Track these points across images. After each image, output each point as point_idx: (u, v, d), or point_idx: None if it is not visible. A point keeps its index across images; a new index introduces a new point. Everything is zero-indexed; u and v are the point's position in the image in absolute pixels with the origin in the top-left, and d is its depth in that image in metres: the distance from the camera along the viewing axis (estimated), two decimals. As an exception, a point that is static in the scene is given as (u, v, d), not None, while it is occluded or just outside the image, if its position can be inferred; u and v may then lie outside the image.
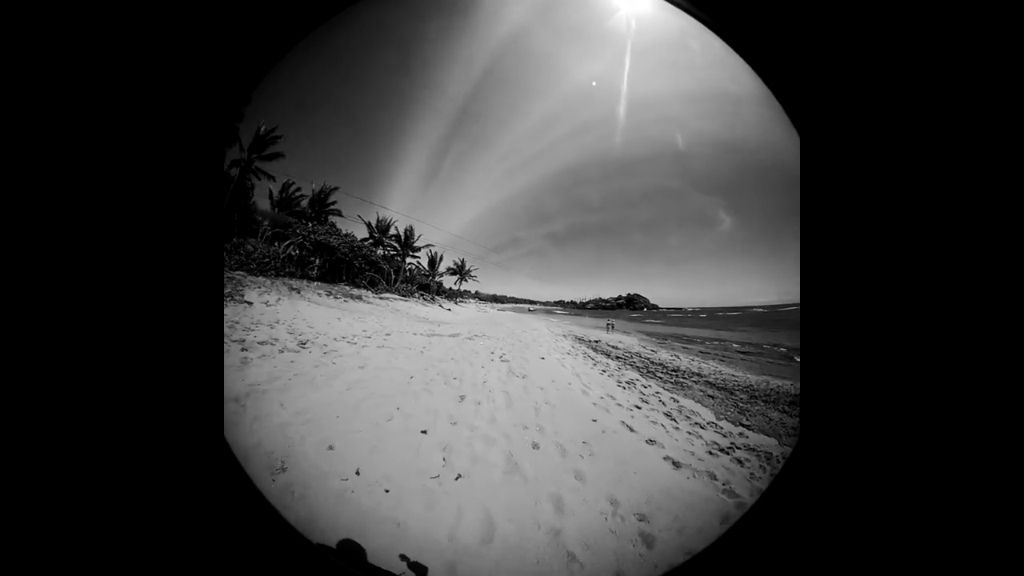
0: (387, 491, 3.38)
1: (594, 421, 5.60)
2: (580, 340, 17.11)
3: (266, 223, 21.63)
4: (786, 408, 7.35)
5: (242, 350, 6.69)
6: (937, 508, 1.39)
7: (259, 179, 23.41)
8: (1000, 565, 1.32)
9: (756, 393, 8.62)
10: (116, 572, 1.48)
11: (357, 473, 3.56)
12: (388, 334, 11.17)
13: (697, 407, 7.23)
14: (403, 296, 23.42)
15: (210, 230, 1.64)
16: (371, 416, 4.81)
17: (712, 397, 8.15)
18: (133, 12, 1.48)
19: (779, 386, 9.42)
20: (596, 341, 17.22)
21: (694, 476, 4.31)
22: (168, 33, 1.53)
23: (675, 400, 7.61)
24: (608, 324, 26.57)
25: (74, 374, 1.44)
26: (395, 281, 26.06)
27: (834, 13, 1.52)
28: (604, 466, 4.24)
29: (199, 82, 1.60)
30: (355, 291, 19.80)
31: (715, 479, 4.28)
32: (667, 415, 6.51)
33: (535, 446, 4.59)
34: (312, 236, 21.33)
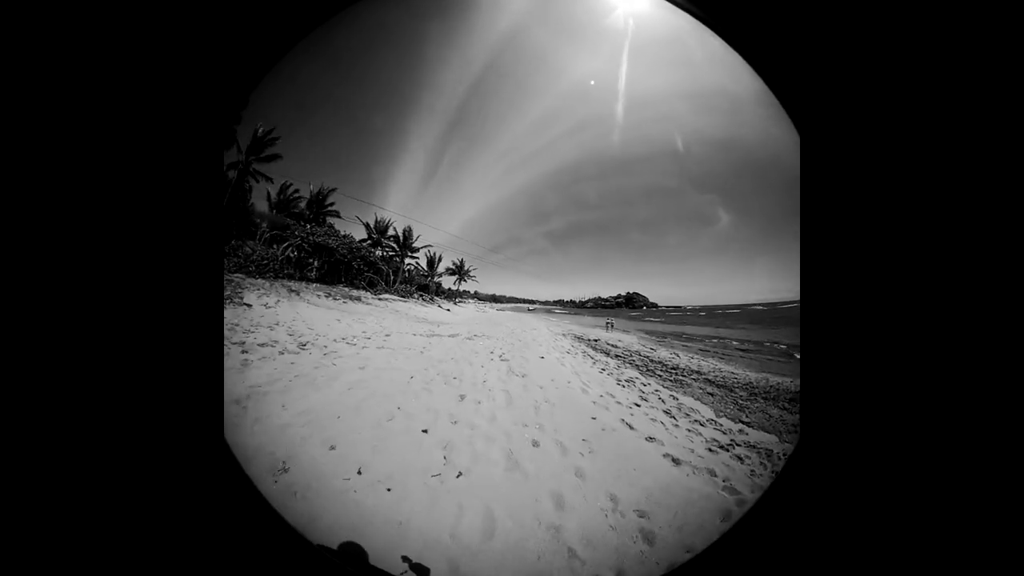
0: (389, 490, 3.40)
1: (593, 419, 5.63)
2: (579, 339, 17.14)
3: (264, 225, 21.64)
4: (786, 405, 7.35)
5: (242, 352, 6.71)
6: (940, 503, 1.39)
7: (257, 181, 23.44)
8: (1002, 564, 1.32)
9: (756, 390, 8.62)
10: (116, 574, 1.48)
11: (359, 472, 3.58)
12: (388, 335, 11.19)
13: (697, 404, 7.26)
14: (402, 297, 23.44)
15: (210, 233, 1.65)
16: (372, 416, 4.83)
17: (712, 395, 8.17)
18: (131, 15, 1.49)
19: (779, 383, 9.42)
20: (595, 340, 17.25)
21: (694, 473, 4.32)
22: (164, 35, 1.53)
23: (675, 398, 7.64)
24: (607, 323, 26.62)
25: (75, 377, 1.45)
26: (394, 282, 26.07)
27: (834, 11, 1.53)
28: (604, 463, 4.27)
29: (197, 85, 1.60)
30: (354, 292, 19.81)
31: (715, 476, 4.29)
32: (667, 413, 6.53)
33: (535, 444, 4.62)
34: (310, 238, 21.33)
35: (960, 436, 1.38)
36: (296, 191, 25.64)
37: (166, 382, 1.57)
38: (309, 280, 19.48)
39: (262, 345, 7.34)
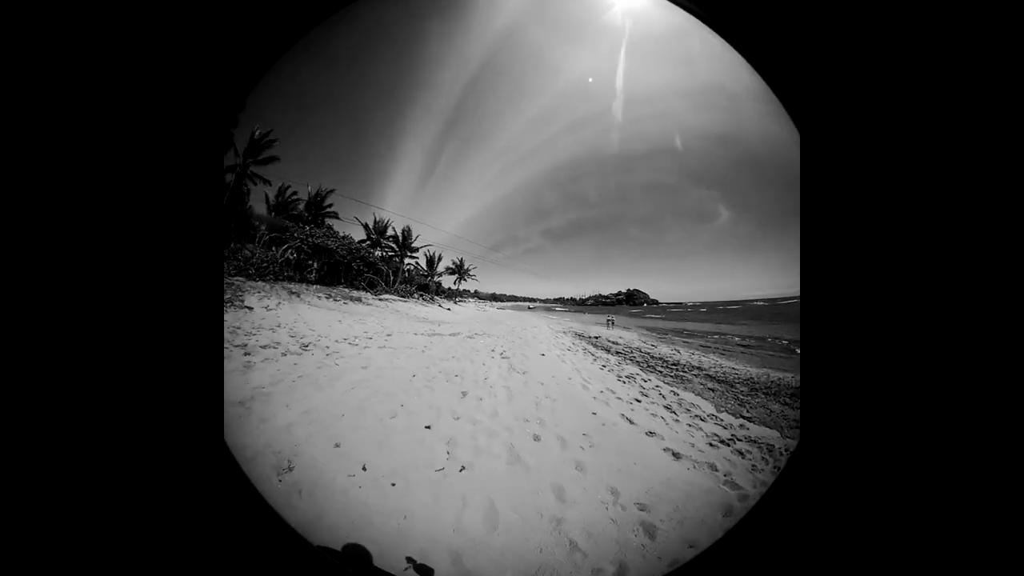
0: (393, 484, 3.45)
1: (594, 414, 5.68)
2: (580, 336, 17.18)
3: (263, 228, 21.66)
4: (787, 400, 7.35)
5: (245, 354, 6.75)
6: (941, 499, 1.39)
7: (255, 184, 23.46)
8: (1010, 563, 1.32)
9: (757, 386, 8.63)
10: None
11: (364, 469, 3.63)
12: (389, 335, 11.24)
13: (697, 400, 7.29)
14: (402, 297, 23.48)
15: (210, 236, 1.64)
16: (375, 414, 4.88)
17: (712, 390, 8.19)
18: (126, 16, 1.48)
19: (780, 378, 9.43)
20: (596, 337, 17.29)
21: (695, 467, 4.35)
22: (157, 36, 1.53)
23: (675, 393, 7.67)
24: (608, 320, 26.65)
25: (75, 380, 1.45)
26: (394, 282, 26.11)
27: (834, 8, 1.52)
28: (604, 457, 4.31)
29: (193, 87, 1.60)
30: (354, 293, 19.85)
31: (716, 470, 4.31)
32: (667, 408, 6.56)
33: (536, 438, 4.67)
34: (309, 239, 21.37)
35: (960, 433, 1.38)
36: (294, 193, 25.69)
37: (166, 385, 1.56)
38: (309, 282, 19.52)
39: (264, 347, 7.39)
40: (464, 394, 6.08)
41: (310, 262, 21.16)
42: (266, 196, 24.70)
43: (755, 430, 5.77)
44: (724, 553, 1.83)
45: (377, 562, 2.53)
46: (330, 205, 26.89)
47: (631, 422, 5.53)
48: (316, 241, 21.39)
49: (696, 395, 7.66)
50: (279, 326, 9.58)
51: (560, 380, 7.57)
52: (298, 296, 14.66)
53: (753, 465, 4.56)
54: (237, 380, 5.52)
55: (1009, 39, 1.34)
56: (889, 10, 1.45)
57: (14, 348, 1.39)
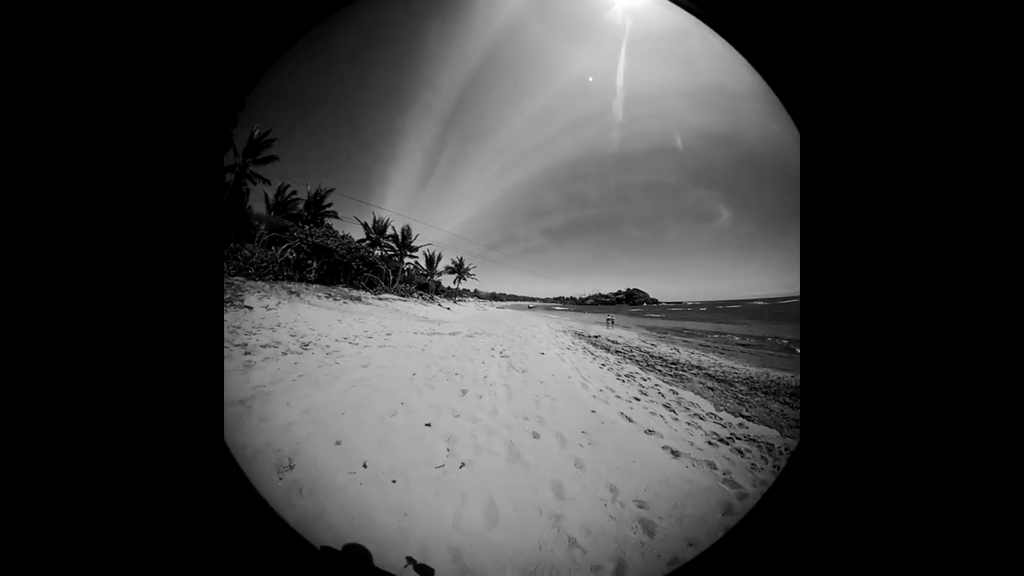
0: (394, 481, 3.48)
1: (593, 412, 5.70)
2: (580, 335, 17.20)
3: (262, 227, 21.65)
4: (787, 400, 7.35)
5: (245, 354, 6.76)
6: (942, 498, 1.38)
7: (254, 183, 23.45)
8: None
9: (756, 385, 8.64)
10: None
11: (364, 466, 3.65)
12: (389, 334, 11.25)
13: (696, 399, 7.30)
14: (402, 296, 23.49)
15: (210, 235, 1.64)
16: (376, 412, 4.90)
17: (712, 389, 8.20)
18: (127, 16, 1.48)
19: (779, 378, 9.44)
20: (595, 336, 17.30)
21: (693, 465, 4.36)
22: (156, 36, 1.52)
23: (674, 392, 7.68)
24: (608, 319, 26.65)
25: (75, 380, 1.44)
26: (393, 281, 26.11)
27: (834, 7, 1.52)
28: (603, 455, 4.33)
29: (193, 87, 1.59)
30: (354, 292, 19.86)
31: (715, 468, 4.33)
32: (666, 406, 6.58)
33: (535, 436, 4.70)
34: (309, 239, 21.37)
35: (960, 433, 1.37)
36: (294, 192, 25.68)
37: (166, 385, 1.56)
38: (309, 281, 19.52)
39: (265, 346, 7.40)
40: (464, 392, 6.10)
41: (310, 261, 21.16)
42: (265, 196, 24.69)
43: (754, 429, 5.79)
44: (725, 553, 1.83)
45: (377, 562, 2.54)
46: (329, 204, 26.90)
47: (630, 420, 5.55)
48: (315, 240, 21.39)
49: (695, 394, 7.67)
50: (279, 325, 9.59)
51: (559, 379, 7.60)
52: (298, 295, 14.66)
53: (752, 464, 4.57)
54: (237, 379, 5.53)
55: (1009, 39, 1.34)
56: (889, 10, 1.45)
57: (14, 348, 1.39)
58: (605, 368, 9.61)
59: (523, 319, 25.68)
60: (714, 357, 13.52)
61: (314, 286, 18.28)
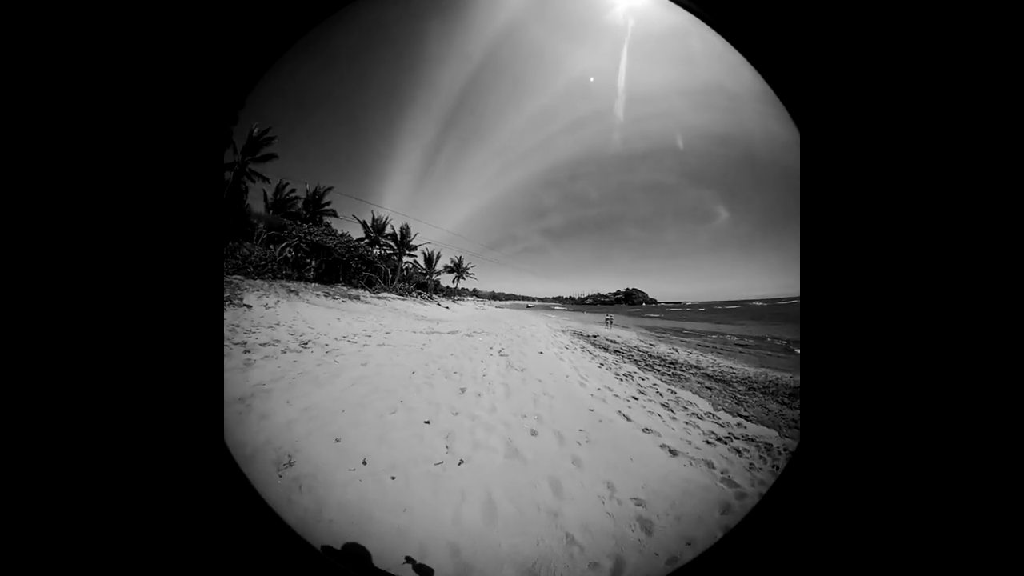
0: (393, 478, 3.50)
1: (591, 411, 5.72)
2: (578, 335, 17.21)
3: (261, 226, 21.60)
4: (785, 400, 7.37)
5: (245, 352, 6.77)
6: (942, 499, 1.39)
7: (253, 182, 23.39)
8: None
9: (754, 385, 8.65)
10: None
11: (364, 463, 3.67)
12: (388, 333, 11.26)
13: (694, 398, 7.32)
14: (401, 295, 23.45)
15: (210, 234, 1.64)
16: (375, 410, 4.92)
17: (710, 389, 8.22)
18: (128, 15, 1.48)
19: (778, 378, 9.45)
20: (594, 336, 17.32)
21: (691, 464, 4.38)
22: (158, 35, 1.53)
23: (672, 391, 7.71)
24: (607, 319, 26.63)
25: (75, 379, 1.44)
26: (392, 280, 26.07)
27: (834, 7, 1.53)
28: (600, 453, 4.36)
29: (194, 85, 1.59)
30: (352, 291, 19.84)
31: (713, 467, 4.34)
32: (664, 406, 6.60)
33: (534, 433, 4.73)
34: (308, 237, 21.34)
35: (961, 433, 1.38)
36: (292, 191, 25.61)
37: (166, 384, 1.56)
38: (307, 280, 19.50)
39: (264, 345, 7.41)
40: (463, 390, 6.12)
41: (308, 260, 21.15)
42: (264, 194, 24.61)
43: (752, 429, 5.80)
44: (726, 554, 1.84)
45: (376, 561, 2.55)
46: (328, 203, 26.82)
47: (628, 419, 5.58)
48: (314, 239, 21.36)
49: (693, 393, 7.70)
50: (278, 324, 9.60)
51: (558, 377, 7.62)
52: (296, 294, 14.67)
53: (751, 464, 4.58)
54: (237, 377, 5.54)
55: (1009, 39, 1.35)
56: (889, 10, 1.46)
57: (12, 347, 1.39)
58: (603, 367, 9.63)
59: (522, 318, 25.66)
60: (712, 357, 13.54)
61: (313, 285, 18.27)
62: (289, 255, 20.23)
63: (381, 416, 4.76)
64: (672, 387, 8.11)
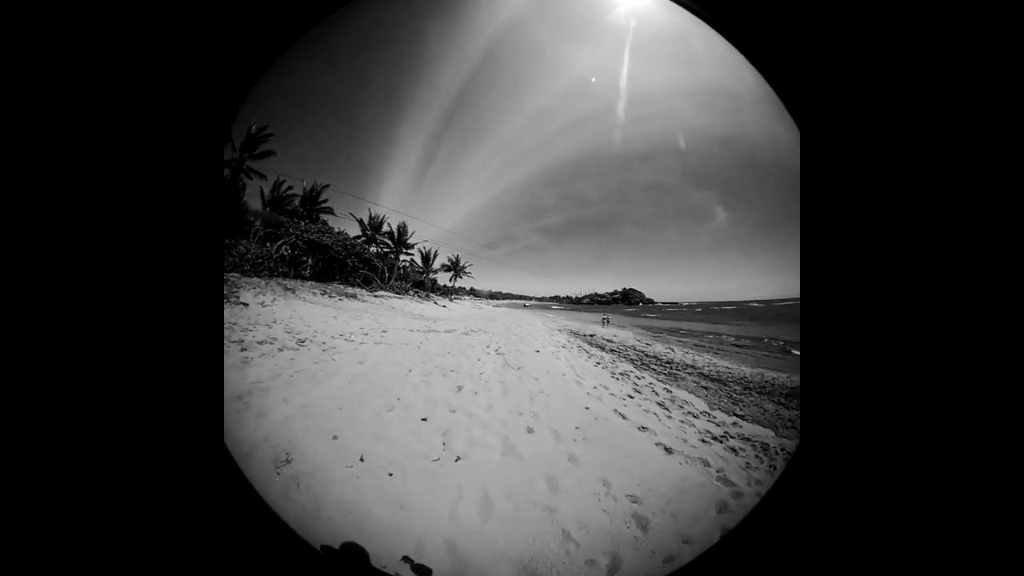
0: (390, 474, 3.52)
1: (587, 409, 5.76)
2: (575, 334, 17.26)
3: (258, 223, 21.56)
4: (782, 400, 7.41)
5: (242, 350, 6.78)
6: (942, 501, 1.38)
7: (250, 178, 23.34)
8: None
9: (751, 385, 8.70)
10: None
11: (361, 460, 3.69)
12: (385, 331, 11.27)
13: (690, 397, 7.36)
14: (397, 294, 23.45)
15: (210, 231, 1.64)
16: (373, 407, 4.94)
17: (706, 388, 8.26)
18: (132, 12, 1.48)
19: (774, 378, 9.51)
20: (591, 335, 17.36)
21: (687, 462, 4.41)
22: (160, 32, 1.52)
23: (668, 391, 7.75)
24: (604, 319, 26.69)
25: (74, 378, 1.44)
26: (389, 279, 26.06)
27: (835, 6, 1.53)
28: (596, 450, 4.39)
29: (196, 82, 1.59)
30: (349, 290, 19.83)
31: (708, 466, 4.37)
32: (660, 404, 6.64)
33: (530, 431, 4.75)
34: (304, 235, 21.31)
35: (961, 434, 1.37)
36: (289, 188, 25.57)
37: (166, 383, 1.56)
38: (304, 278, 19.48)
39: (261, 343, 7.42)
40: (460, 388, 6.15)
41: (305, 258, 21.13)
42: (261, 191, 24.57)
43: (748, 428, 5.84)
44: (726, 555, 1.84)
45: (374, 560, 2.56)
46: (325, 200, 26.80)
47: (624, 417, 5.61)
48: (311, 237, 21.34)
49: (689, 393, 7.74)
50: (275, 322, 9.61)
51: (554, 376, 7.65)
52: (293, 292, 14.65)
53: (747, 463, 4.61)
54: (234, 375, 5.55)
55: (1009, 39, 1.35)
56: (890, 9, 1.46)
57: (12, 346, 1.39)
58: (600, 366, 9.67)
59: (519, 318, 25.71)
60: (708, 357, 13.59)
61: (309, 283, 18.24)
62: (286, 253, 20.19)
63: (378, 413, 4.78)
64: (668, 386, 8.16)
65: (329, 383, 5.67)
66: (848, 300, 1.53)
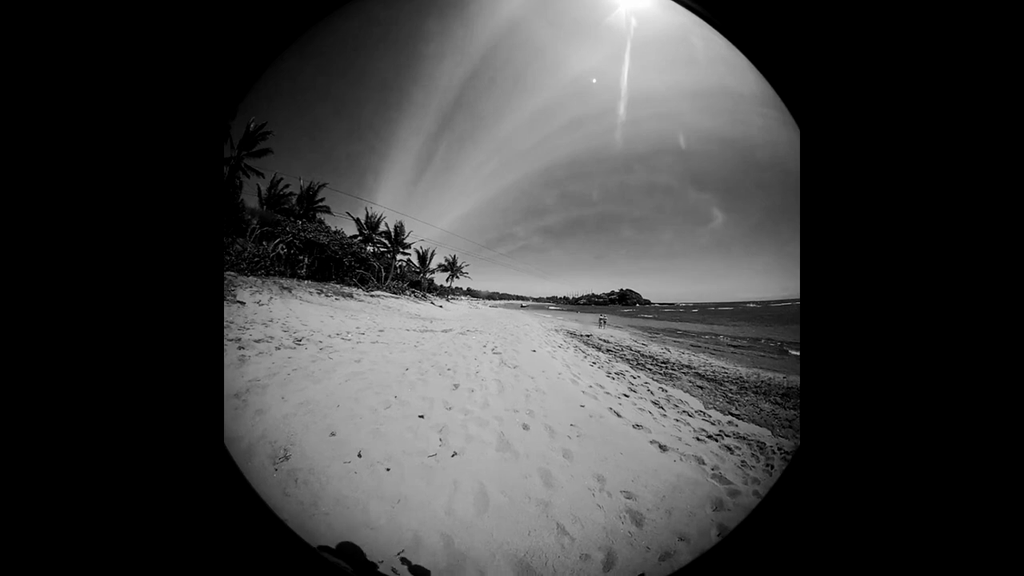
0: (388, 470, 3.55)
1: (582, 407, 5.80)
2: (571, 334, 17.31)
3: (255, 222, 21.54)
4: (778, 400, 7.46)
5: (239, 348, 6.80)
6: (942, 502, 1.39)
7: (248, 177, 23.32)
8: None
9: (746, 384, 8.75)
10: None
11: (359, 455, 3.72)
12: (381, 330, 11.29)
13: (685, 396, 7.41)
14: (394, 293, 23.46)
15: (210, 229, 1.65)
16: (370, 405, 4.97)
17: (701, 387, 8.31)
18: (132, 10, 1.49)
19: (771, 378, 9.55)
20: (587, 335, 17.42)
21: (681, 460, 4.44)
22: (159, 30, 1.53)
23: (663, 390, 7.80)
24: (600, 319, 26.74)
25: (73, 375, 1.44)
26: (385, 278, 26.06)
27: (836, 6, 1.53)
28: (591, 447, 4.43)
29: (195, 81, 1.60)
30: (345, 289, 19.84)
31: (703, 464, 4.41)
32: (655, 403, 6.68)
33: (525, 427, 4.79)
34: (301, 234, 21.31)
35: (962, 434, 1.38)
36: (286, 186, 25.55)
37: (165, 380, 1.56)
38: (300, 277, 19.48)
39: (258, 341, 7.44)
40: (456, 386, 6.18)
41: (301, 257, 21.12)
42: (258, 189, 24.55)
43: (744, 427, 5.88)
44: (726, 555, 1.85)
45: (370, 555, 2.57)
46: (322, 199, 26.80)
47: (618, 415, 5.66)
48: (307, 236, 21.34)
49: (685, 392, 7.79)
50: (272, 321, 9.63)
51: (550, 375, 7.70)
52: (290, 291, 14.66)
53: (743, 461, 4.65)
54: (232, 373, 5.57)
55: (1009, 39, 1.36)
56: (890, 11, 1.47)
57: (12, 345, 1.39)
58: (596, 366, 9.73)
59: (516, 318, 25.76)
60: (704, 357, 13.65)
61: (305, 282, 18.25)
62: (282, 252, 20.18)
63: (376, 411, 4.81)
64: (664, 385, 8.21)
65: (327, 381, 5.69)
66: (848, 300, 1.54)
